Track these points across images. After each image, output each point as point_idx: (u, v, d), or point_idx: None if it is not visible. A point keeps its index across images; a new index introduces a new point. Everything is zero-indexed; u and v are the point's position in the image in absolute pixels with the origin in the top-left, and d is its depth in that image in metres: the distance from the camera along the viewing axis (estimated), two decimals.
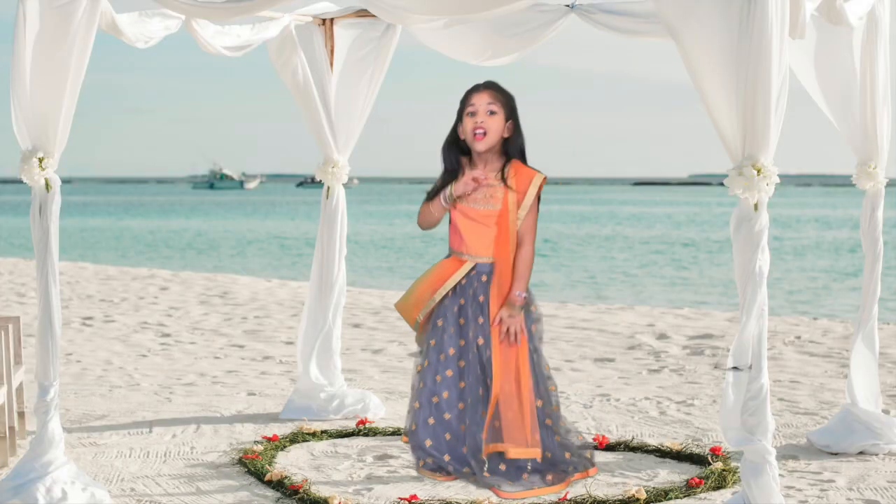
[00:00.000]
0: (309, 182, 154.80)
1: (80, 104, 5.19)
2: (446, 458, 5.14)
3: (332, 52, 6.77)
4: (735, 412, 4.36)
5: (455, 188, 5.12)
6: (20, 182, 5.45)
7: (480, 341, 5.08)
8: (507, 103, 5.08)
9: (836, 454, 5.83)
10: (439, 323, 5.15)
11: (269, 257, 32.89)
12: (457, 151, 5.15)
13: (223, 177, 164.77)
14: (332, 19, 6.75)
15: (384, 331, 11.00)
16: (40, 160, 4.99)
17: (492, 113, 5.03)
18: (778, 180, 4.30)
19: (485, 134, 5.03)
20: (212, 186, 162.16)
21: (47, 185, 5.03)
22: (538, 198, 5.17)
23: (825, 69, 5.87)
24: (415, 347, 9.70)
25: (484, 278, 5.14)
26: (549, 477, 5.05)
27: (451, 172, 5.17)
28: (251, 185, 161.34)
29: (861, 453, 5.82)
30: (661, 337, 10.44)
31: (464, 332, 5.13)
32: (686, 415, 6.94)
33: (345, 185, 6.99)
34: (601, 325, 11.39)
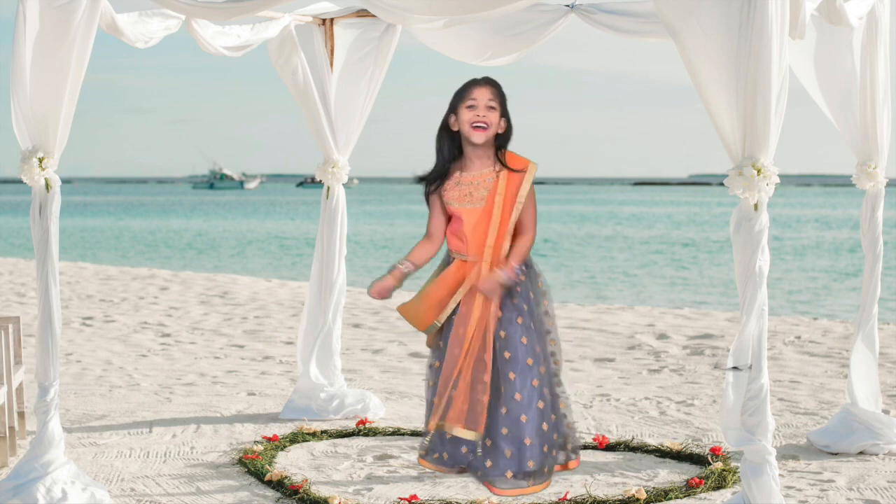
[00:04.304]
0: (309, 182, 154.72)
1: (80, 104, 5.19)
2: (464, 450, 5.12)
3: (332, 52, 6.78)
4: (735, 412, 4.36)
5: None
6: (20, 182, 5.45)
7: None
8: (503, 101, 5.11)
9: (836, 454, 5.83)
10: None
11: (269, 257, 32.89)
12: (450, 143, 5.15)
13: (223, 177, 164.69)
14: (332, 19, 6.76)
15: (384, 331, 11.00)
16: (40, 160, 4.99)
17: (491, 108, 5.05)
18: (778, 180, 4.30)
19: (486, 127, 5.05)
20: (212, 186, 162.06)
21: (47, 185, 5.03)
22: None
23: (825, 69, 5.87)
24: (416, 347, 9.72)
25: None
26: (531, 463, 4.97)
27: (440, 173, 5.14)
28: (251, 185, 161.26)
29: (861, 453, 5.82)
30: (661, 337, 10.44)
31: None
32: (686, 415, 6.94)
33: (345, 185, 6.99)
34: (601, 325, 11.39)
